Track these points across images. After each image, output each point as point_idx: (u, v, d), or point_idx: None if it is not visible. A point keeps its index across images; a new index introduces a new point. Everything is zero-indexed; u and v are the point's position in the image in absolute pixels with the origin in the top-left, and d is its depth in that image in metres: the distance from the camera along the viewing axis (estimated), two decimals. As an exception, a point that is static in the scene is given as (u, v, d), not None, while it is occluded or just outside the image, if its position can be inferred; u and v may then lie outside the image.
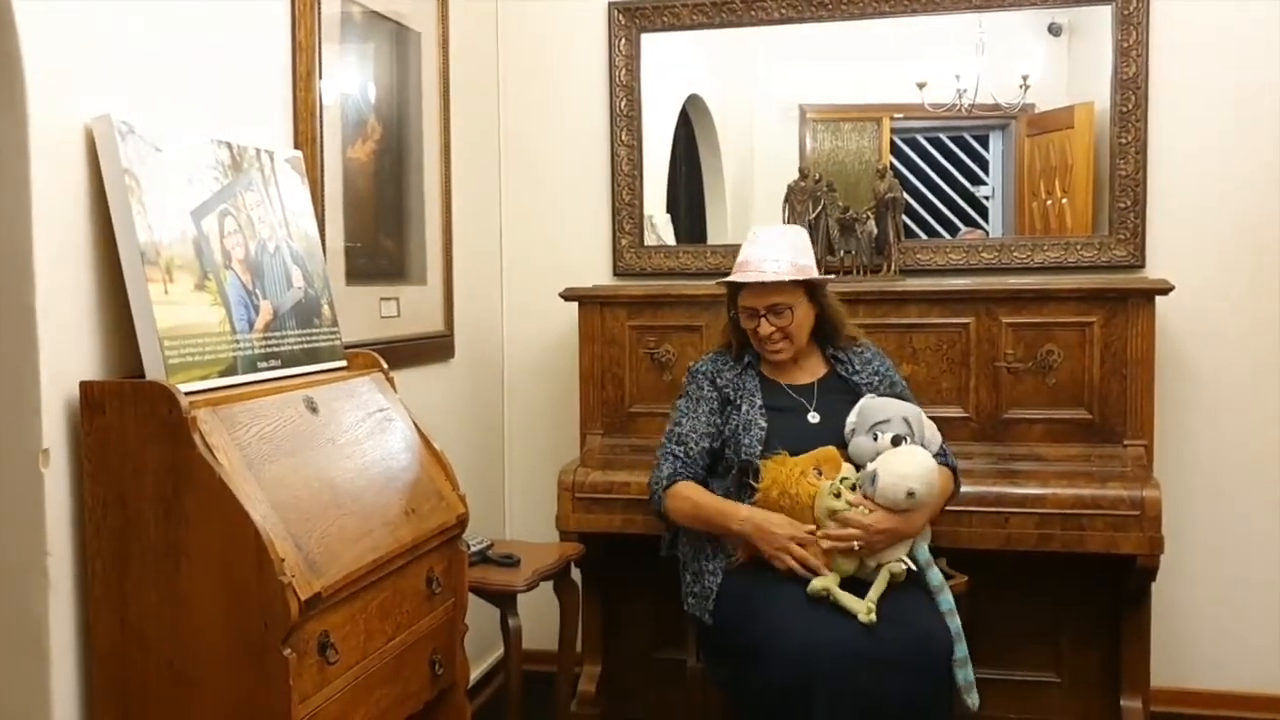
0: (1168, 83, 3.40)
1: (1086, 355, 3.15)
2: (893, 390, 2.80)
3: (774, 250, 2.72)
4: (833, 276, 2.85)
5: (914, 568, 2.55)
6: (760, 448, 2.66)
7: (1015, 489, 3.03)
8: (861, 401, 2.71)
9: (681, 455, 2.77)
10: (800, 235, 2.84)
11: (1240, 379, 3.42)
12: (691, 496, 2.72)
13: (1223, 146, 3.39)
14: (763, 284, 2.70)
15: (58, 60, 1.94)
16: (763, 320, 2.73)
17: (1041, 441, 3.18)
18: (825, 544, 2.50)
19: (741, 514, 2.61)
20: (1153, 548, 2.92)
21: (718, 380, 2.83)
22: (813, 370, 2.85)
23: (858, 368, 2.84)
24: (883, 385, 2.81)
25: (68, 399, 1.96)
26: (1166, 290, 3.12)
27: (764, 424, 2.71)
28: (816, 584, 2.48)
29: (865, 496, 2.53)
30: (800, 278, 2.72)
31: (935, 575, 2.60)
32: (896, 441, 2.57)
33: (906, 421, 2.61)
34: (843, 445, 2.66)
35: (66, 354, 1.95)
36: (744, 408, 2.75)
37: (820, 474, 2.56)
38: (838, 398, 2.77)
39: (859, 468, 2.61)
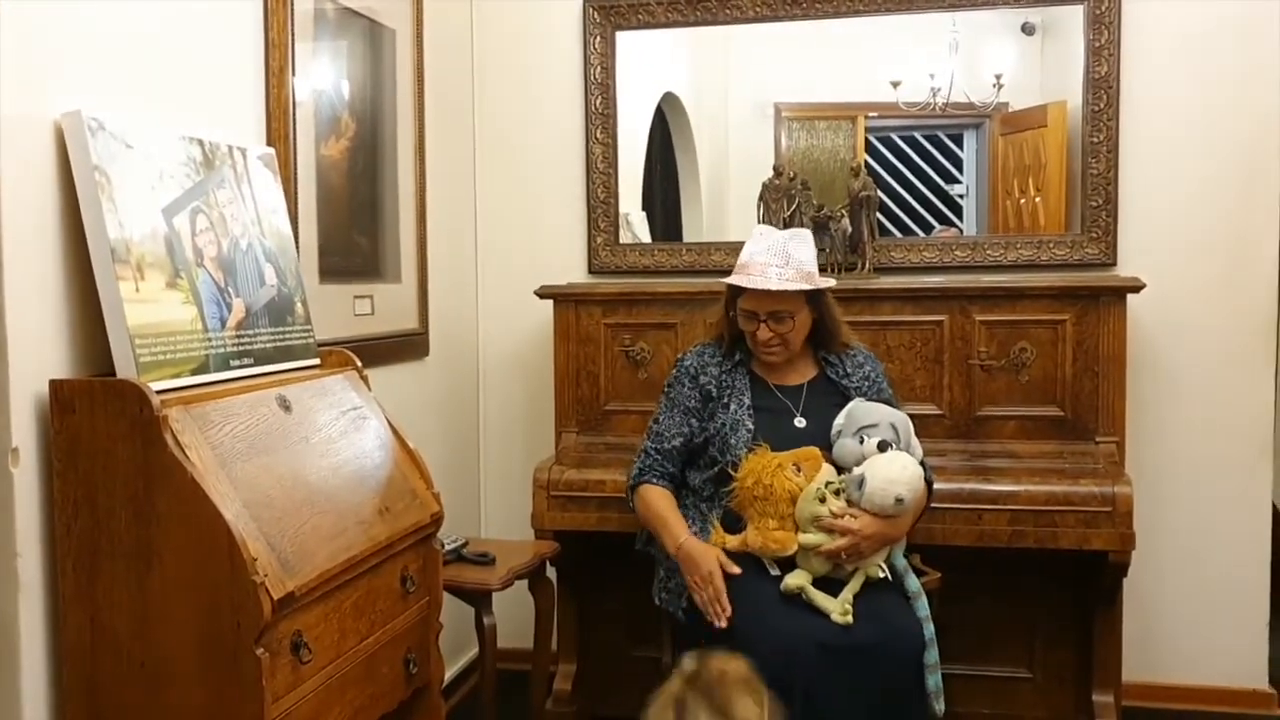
0: (1139, 82, 3.43)
1: (1059, 352, 3.17)
2: (880, 397, 2.79)
3: (780, 255, 2.67)
4: (834, 282, 2.80)
5: (890, 578, 2.56)
6: (745, 450, 2.65)
7: (988, 486, 3.04)
8: (850, 404, 2.70)
9: (654, 451, 2.81)
10: (806, 240, 2.76)
11: (1211, 376, 3.46)
12: (650, 502, 2.77)
13: (1193, 146, 3.42)
14: (767, 291, 2.66)
15: (27, 56, 1.91)
16: (762, 325, 2.71)
17: (1014, 438, 3.20)
18: (808, 541, 2.49)
19: (680, 538, 2.65)
20: (1124, 544, 2.94)
21: (700, 377, 2.81)
22: (803, 371, 2.84)
23: (849, 370, 2.83)
24: (871, 390, 2.80)
25: (37, 397, 1.94)
26: (1138, 288, 3.14)
27: (751, 425, 2.70)
28: (790, 581, 2.48)
29: (850, 501, 2.52)
30: (807, 287, 2.68)
31: (913, 582, 2.62)
32: (883, 447, 2.56)
33: (894, 428, 2.60)
34: (828, 448, 2.66)
35: (36, 352, 1.94)
36: (732, 407, 2.75)
37: (799, 470, 2.55)
38: (826, 400, 2.77)
39: (840, 469, 2.61)
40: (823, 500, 2.50)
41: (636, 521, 2.90)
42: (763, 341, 2.73)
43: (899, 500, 2.49)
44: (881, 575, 2.53)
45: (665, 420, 2.83)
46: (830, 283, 2.78)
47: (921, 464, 2.65)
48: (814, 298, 2.76)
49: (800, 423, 2.74)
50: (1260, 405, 3.45)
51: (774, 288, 2.65)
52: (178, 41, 2.33)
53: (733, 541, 2.59)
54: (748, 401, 2.76)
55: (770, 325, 2.71)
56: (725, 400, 2.77)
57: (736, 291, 2.75)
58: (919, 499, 2.59)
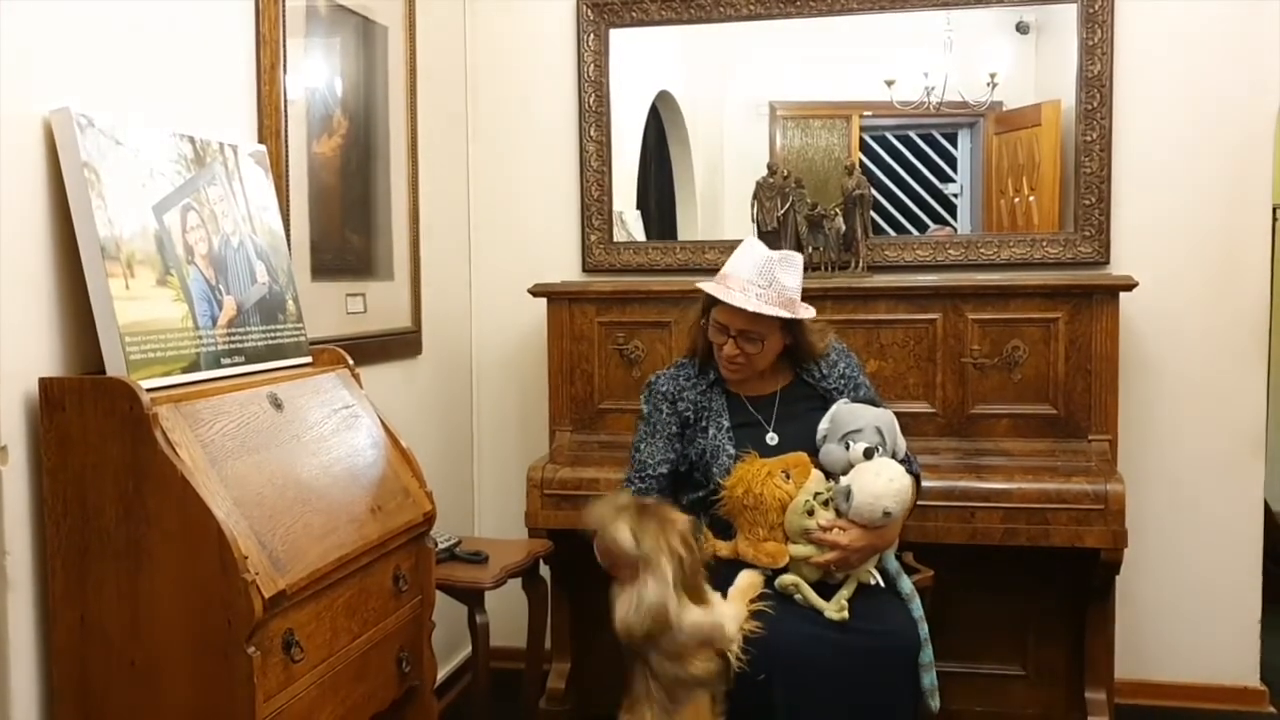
0: (1132, 81, 3.43)
1: (1051, 351, 3.17)
2: (857, 394, 2.75)
3: (765, 276, 2.58)
4: (813, 312, 2.70)
5: (882, 584, 2.55)
6: (729, 475, 2.60)
7: (981, 484, 3.05)
8: (835, 407, 2.67)
9: (637, 480, 2.72)
10: (795, 266, 2.65)
11: (1203, 374, 3.46)
12: None
13: (1186, 145, 3.43)
14: (743, 310, 2.58)
15: (15, 52, 1.91)
16: (730, 341, 2.65)
17: (1007, 436, 3.20)
18: (798, 552, 2.48)
19: None
20: (1116, 541, 2.95)
21: (678, 403, 2.75)
22: (776, 379, 2.78)
23: (824, 372, 2.78)
24: (849, 388, 2.76)
25: (26, 395, 1.93)
26: (1130, 286, 3.15)
27: (732, 450, 2.65)
28: (785, 579, 2.48)
29: (839, 512, 2.49)
30: (786, 315, 2.60)
31: (905, 584, 2.61)
32: (869, 454, 2.54)
33: (879, 431, 2.58)
34: (815, 452, 2.63)
35: (25, 350, 1.93)
36: (711, 431, 2.70)
37: (788, 477, 2.53)
38: (803, 406, 2.73)
39: (828, 474, 2.60)
40: (811, 513, 2.48)
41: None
42: (727, 357, 2.67)
43: (887, 513, 2.47)
44: (873, 582, 2.53)
45: (647, 449, 2.74)
46: (810, 312, 2.69)
47: (908, 458, 2.64)
48: (789, 323, 2.68)
49: (772, 439, 2.69)
50: (1252, 403, 3.45)
51: (751, 308, 2.57)
52: (168, 38, 2.32)
53: (724, 549, 2.58)
54: (726, 423, 2.71)
55: (739, 343, 2.65)
56: (704, 424, 2.72)
57: (713, 300, 2.67)
58: (907, 506, 2.58)
